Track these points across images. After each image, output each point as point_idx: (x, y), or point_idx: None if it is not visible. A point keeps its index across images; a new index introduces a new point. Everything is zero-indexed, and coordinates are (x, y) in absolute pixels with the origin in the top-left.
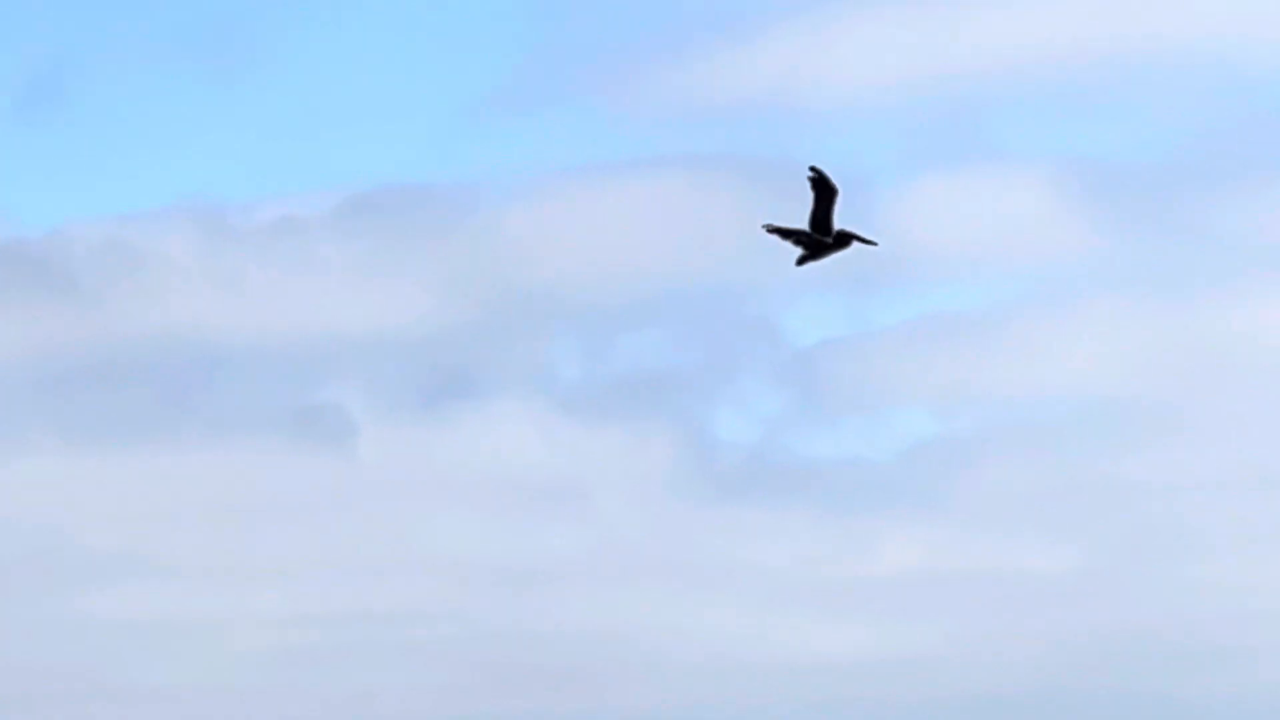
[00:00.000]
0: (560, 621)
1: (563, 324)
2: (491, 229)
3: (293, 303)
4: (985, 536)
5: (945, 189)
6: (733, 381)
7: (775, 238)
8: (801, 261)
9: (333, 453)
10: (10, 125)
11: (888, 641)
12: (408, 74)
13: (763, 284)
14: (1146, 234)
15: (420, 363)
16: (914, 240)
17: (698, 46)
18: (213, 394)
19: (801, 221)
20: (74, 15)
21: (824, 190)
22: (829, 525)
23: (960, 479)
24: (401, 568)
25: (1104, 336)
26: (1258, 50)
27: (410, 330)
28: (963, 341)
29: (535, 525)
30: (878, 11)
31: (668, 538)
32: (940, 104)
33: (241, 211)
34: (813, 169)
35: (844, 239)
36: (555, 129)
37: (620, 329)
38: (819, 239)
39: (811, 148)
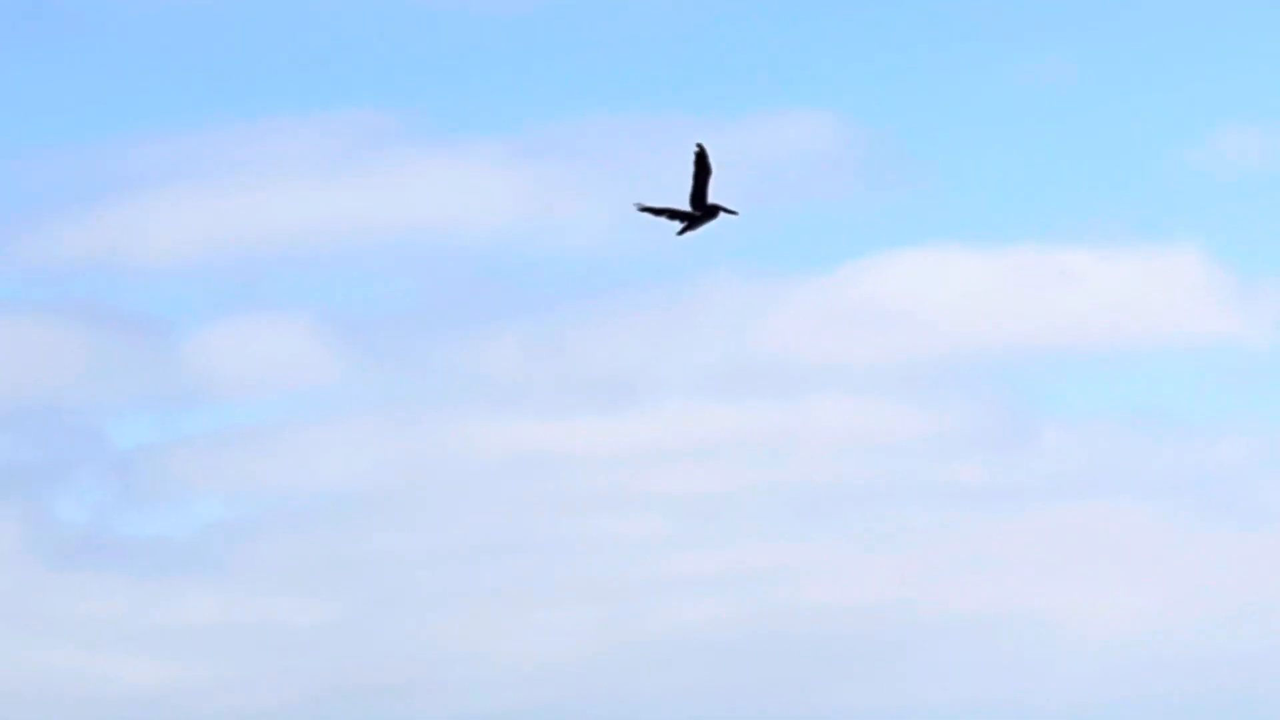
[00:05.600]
0: None
1: None
2: None
3: None
4: (261, 597)
5: (235, 329)
6: (69, 475)
7: (649, 215)
8: (682, 232)
9: None
10: None
11: (185, 677)
12: None
13: (94, 400)
14: (384, 366)
15: None
16: (211, 369)
17: (47, 215)
18: None
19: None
20: None
21: (703, 169)
22: (142, 586)
23: (243, 551)
24: None
25: (353, 444)
26: (470, 230)
27: None
28: (247, 446)
29: None
30: (183, 190)
31: (18, 596)
32: (231, 263)
33: None
34: (698, 145)
35: (714, 210)
36: None
37: None
38: (692, 213)
39: (136, 297)
